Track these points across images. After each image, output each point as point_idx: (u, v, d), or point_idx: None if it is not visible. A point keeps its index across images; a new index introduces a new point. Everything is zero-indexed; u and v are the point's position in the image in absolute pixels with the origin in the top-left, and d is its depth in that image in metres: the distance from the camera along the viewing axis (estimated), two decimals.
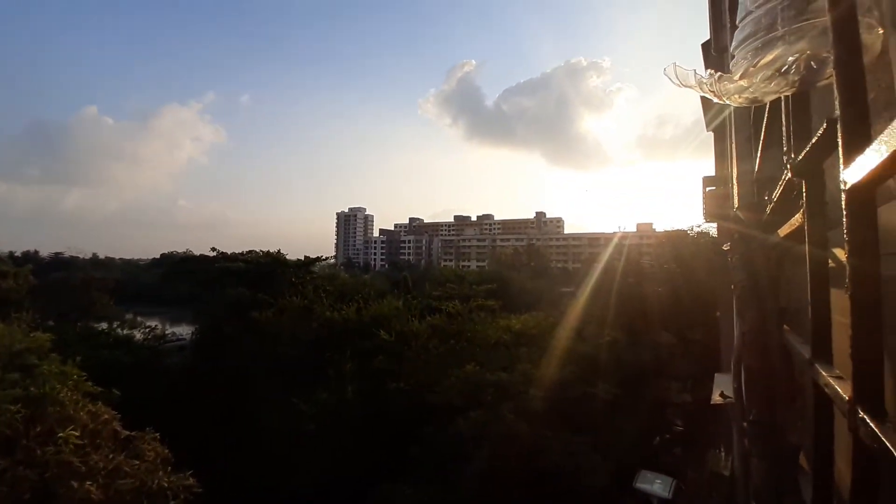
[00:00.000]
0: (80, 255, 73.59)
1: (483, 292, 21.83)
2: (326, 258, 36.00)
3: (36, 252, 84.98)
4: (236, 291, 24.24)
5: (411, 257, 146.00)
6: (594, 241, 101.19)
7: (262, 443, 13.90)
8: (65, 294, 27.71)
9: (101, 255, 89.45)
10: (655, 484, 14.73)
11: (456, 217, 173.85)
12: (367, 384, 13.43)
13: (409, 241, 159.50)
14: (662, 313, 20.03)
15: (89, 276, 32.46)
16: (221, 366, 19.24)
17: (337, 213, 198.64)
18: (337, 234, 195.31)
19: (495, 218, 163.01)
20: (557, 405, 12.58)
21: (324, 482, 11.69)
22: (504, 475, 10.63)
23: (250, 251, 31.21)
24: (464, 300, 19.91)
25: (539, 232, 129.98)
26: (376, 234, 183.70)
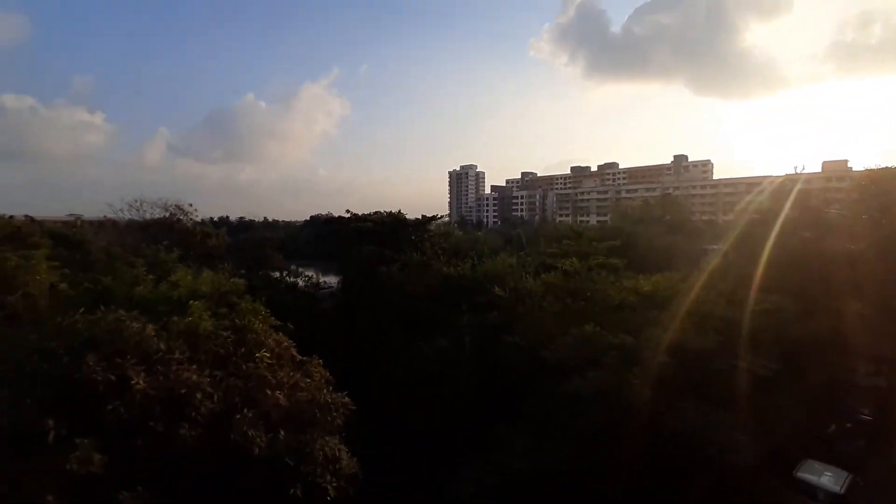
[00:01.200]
0: (255, 219, 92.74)
1: (604, 249, 20.18)
2: (441, 216, 37.57)
3: (227, 217, 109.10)
4: (366, 248, 27.45)
5: (524, 213, 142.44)
6: (754, 187, 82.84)
7: (391, 379, 15.98)
8: (249, 250, 35.28)
9: (270, 219, 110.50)
10: (824, 476, 12.45)
11: (573, 168, 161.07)
12: (481, 337, 14.12)
13: (522, 197, 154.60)
14: (854, 277, 15.66)
15: (264, 237, 40.56)
16: (357, 313, 22.44)
17: (449, 172, 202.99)
18: (450, 193, 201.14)
19: (620, 166, 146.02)
20: (693, 376, 11.28)
21: (443, 421, 13.01)
22: (623, 439, 10.22)
23: (376, 212, 34.49)
24: (582, 258, 18.77)
25: (677, 179, 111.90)
26: (488, 190, 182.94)
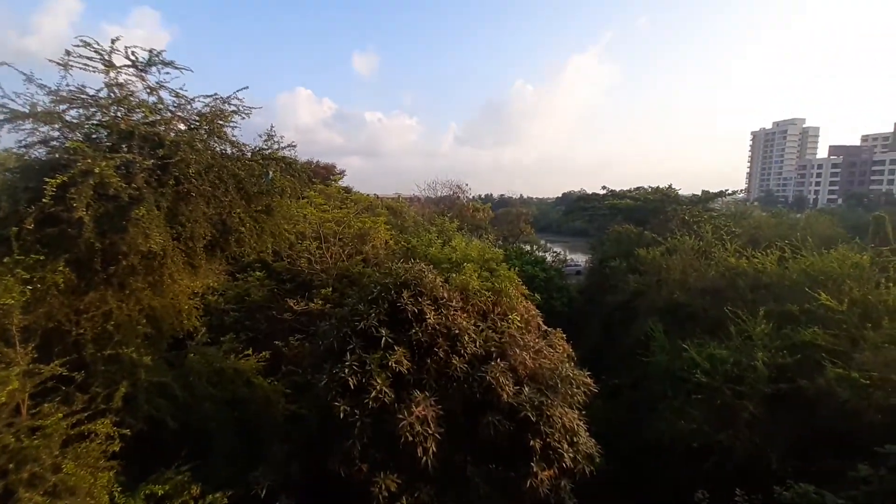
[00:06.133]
0: (513, 196, 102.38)
1: None
2: (732, 192, 29.91)
3: (490, 194, 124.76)
4: (623, 228, 25.40)
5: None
6: None
7: (643, 382, 14.23)
8: (506, 223, 39.63)
9: (525, 196, 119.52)
10: None
11: None
12: (785, 357, 10.45)
13: (893, 162, 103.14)
14: None
15: (519, 212, 44.40)
16: (604, 295, 21.19)
17: (752, 133, 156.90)
18: (751, 161, 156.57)
19: None
20: None
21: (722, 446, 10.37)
22: None
23: (638, 188, 31.12)
24: None
25: None
26: (821, 153, 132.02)
